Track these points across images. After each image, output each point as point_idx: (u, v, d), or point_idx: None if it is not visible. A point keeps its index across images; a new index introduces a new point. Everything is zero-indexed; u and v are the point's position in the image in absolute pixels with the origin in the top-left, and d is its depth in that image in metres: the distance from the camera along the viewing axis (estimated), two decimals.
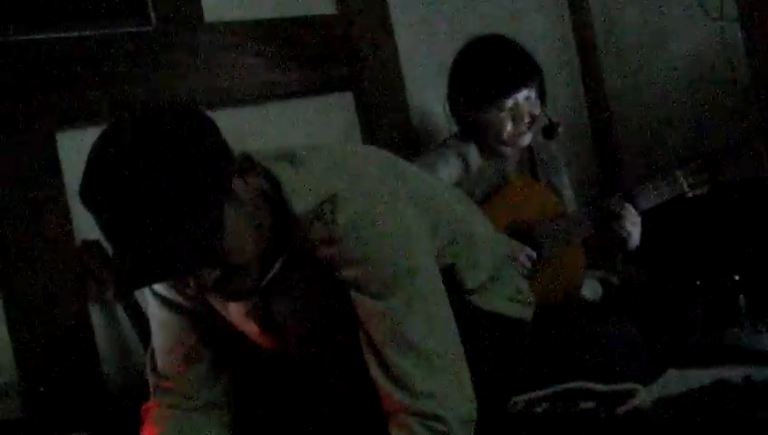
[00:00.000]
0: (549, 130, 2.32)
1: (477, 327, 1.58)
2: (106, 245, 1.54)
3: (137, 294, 1.91)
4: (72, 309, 2.01)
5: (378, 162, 1.51)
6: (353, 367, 1.42)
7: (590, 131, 3.22)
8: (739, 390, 1.62)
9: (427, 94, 2.71)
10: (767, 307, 2.07)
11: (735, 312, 2.10)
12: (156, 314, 1.58)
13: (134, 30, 2.16)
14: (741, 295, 2.11)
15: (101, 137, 1.28)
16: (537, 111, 2.20)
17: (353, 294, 1.38)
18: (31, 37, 2.01)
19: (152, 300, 1.57)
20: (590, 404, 1.58)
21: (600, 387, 1.62)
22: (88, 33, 2.09)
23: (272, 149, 1.47)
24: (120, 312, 2.03)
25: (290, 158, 1.42)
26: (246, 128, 2.31)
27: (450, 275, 1.58)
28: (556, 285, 2.08)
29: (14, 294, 1.95)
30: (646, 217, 2.10)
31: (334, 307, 1.41)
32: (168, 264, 1.25)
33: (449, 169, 2.22)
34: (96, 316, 2.07)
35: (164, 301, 1.56)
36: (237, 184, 1.33)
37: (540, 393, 1.61)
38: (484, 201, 2.19)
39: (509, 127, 2.19)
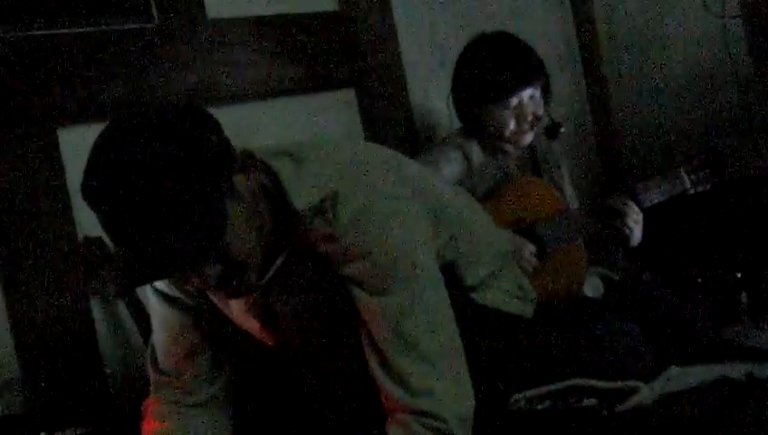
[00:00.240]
0: (552, 131, 2.32)
1: (478, 324, 1.57)
2: (108, 241, 1.55)
3: (138, 290, 1.91)
4: (74, 305, 2.01)
5: (379, 159, 1.51)
6: (354, 364, 1.42)
7: (592, 129, 3.22)
8: (741, 386, 1.62)
9: (430, 91, 2.71)
10: None
11: (737, 309, 2.10)
12: (156, 310, 1.58)
13: (137, 26, 2.16)
14: (743, 293, 2.11)
15: (103, 134, 1.28)
16: (541, 112, 2.20)
17: (354, 290, 1.39)
18: (33, 33, 2.01)
19: (153, 297, 1.57)
20: (591, 401, 1.58)
21: (601, 384, 1.62)
22: (90, 29, 2.09)
23: (273, 145, 1.47)
24: (122, 308, 2.03)
25: (291, 154, 1.43)
26: (248, 124, 2.31)
27: (451, 272, 1.58)
28: (558, 281, 2.08)
29: (16, 290, 1.95)
30: (648, 214, 2.10)
31: (335, 304, 1.41)
32: (169, 261, 1.25)
33: (452, 167, 2.22)
34: (98, 312, 2.07)
35: (165, 297, 1.56)
36: (239, 180, 1.34)
37: (541, 390, 1.60)
38: (487, 198, 2.19)
39: (512, 125, 2.19)
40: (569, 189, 2.41)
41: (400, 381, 1.36)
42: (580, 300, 2.11)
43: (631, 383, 1.63)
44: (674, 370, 1.77)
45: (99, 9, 2.10)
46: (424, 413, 1.35)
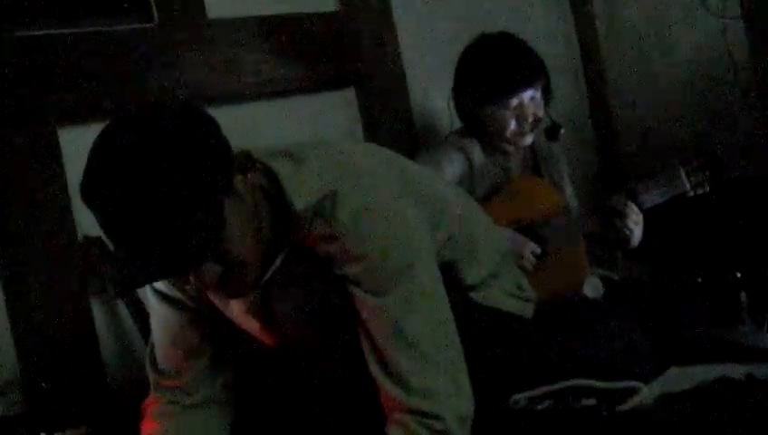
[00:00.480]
0: (552, 132, 2.32)
1: (477, 323, 1.57)
2: (107, 241, 1.54)
3: (138, 290, 1.91)
4: (74, 305, 2.01)
5: (378, 159, 1.51)
6: (353, 364, 1.42)
7: (592, 130, 3.22)
8: (741, 387, 1.62)
9: (430, 91, 2.71)
10: None
11: (737, 309, 2.10)
12: (156, 310, 1.58)
13: (137, 26, 2.16)
14: (742, 292, 2.11)
15: (102, 134, 1.28)
16: (541, 113, 2.20)
17: (353, 290, 1.39)
18: (33, 33, 2.01)
19: (152, 297, 1.57)
20: (591, 402, 1.58)
21: (601, 384, 1.62)
22: (90, 29, 2.09)
23: (272, 145, 1.47)
24: (122, 308, 2.03)
25: (290, 155, 1.43)
26: (248, 124, 2.31)
27: (450, 272, 1.58)
28: (558, 281, 2.08)
29: (16, 289, 1.95)
30: (648, 214, 2.10)
31: (334, 303, 1.41)
32: (168, 262, 1.25)
33: (453, 168, 2.22)
34: (97, 312, 2.07)
35: (164, 298, 1.56)
36: (238, 181, 1.34)
37: (541, 390, 1.60)
38: (487, 198, 2.19)
39: (512, 126, 2.19)
40: (569, 189, 2.41)
41: (399, 380, 1.36)
42: (580, 300, 2.11)
43: (631, 384, 1.63)
44: (673, 370, 1.77)
45: (99, 9, 2.10)
46: (423, 413, 1.35)
